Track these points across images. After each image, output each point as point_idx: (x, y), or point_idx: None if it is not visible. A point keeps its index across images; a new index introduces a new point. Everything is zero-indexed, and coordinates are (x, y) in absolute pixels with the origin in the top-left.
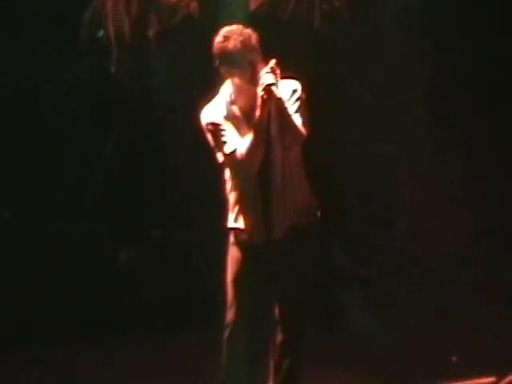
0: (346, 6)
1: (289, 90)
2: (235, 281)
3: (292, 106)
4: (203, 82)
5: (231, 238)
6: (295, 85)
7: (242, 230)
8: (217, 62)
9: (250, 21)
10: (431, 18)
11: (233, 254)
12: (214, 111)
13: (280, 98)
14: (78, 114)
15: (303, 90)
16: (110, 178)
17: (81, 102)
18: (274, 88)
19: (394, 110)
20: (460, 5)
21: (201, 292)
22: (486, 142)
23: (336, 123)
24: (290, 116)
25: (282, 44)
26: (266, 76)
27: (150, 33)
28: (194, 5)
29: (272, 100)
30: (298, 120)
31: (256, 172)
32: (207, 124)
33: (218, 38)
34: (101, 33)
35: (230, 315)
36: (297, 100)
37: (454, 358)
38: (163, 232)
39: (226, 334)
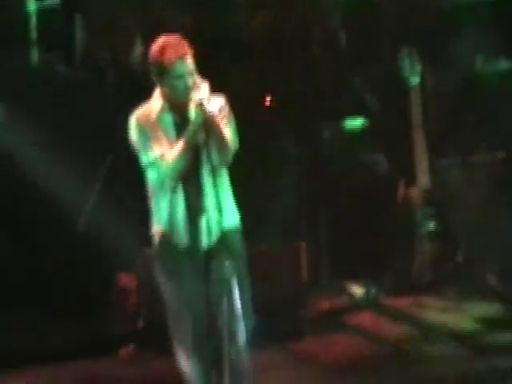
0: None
1: (217, 106)
2: (175, 290)
3: (222, 121)
4: None
5: (156, 244)
6: (222, 101)
7: (167, 233)
8: (151, 72)
9: None
10: None
11: (162, 261)
12: (145, 114)
13: (212, 113)
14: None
15: (228, 105)
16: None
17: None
18: (205, 102)
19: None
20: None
21: None
22: None
23: None
24: (221, 130)
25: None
26: (197, 91)
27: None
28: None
29: (204, 114)
30: (227, 134)
31: (180, 180)
32: (137, 125)
33: (154, 48)
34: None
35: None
36: (224, 115)
37: None
38: None
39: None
